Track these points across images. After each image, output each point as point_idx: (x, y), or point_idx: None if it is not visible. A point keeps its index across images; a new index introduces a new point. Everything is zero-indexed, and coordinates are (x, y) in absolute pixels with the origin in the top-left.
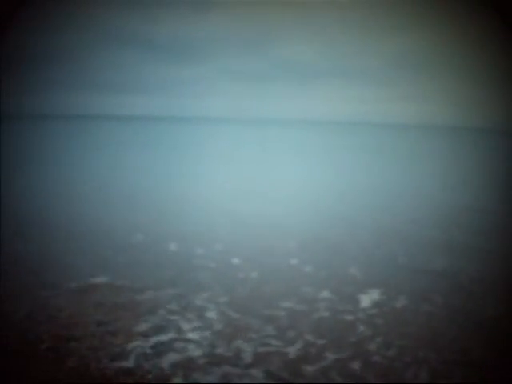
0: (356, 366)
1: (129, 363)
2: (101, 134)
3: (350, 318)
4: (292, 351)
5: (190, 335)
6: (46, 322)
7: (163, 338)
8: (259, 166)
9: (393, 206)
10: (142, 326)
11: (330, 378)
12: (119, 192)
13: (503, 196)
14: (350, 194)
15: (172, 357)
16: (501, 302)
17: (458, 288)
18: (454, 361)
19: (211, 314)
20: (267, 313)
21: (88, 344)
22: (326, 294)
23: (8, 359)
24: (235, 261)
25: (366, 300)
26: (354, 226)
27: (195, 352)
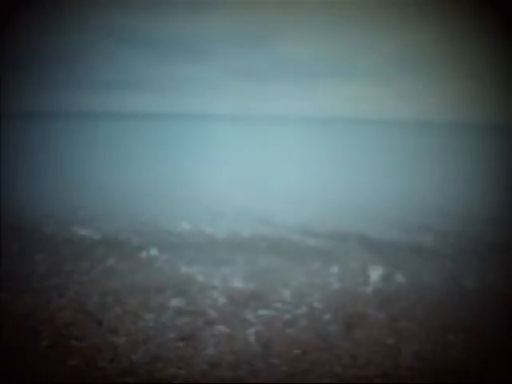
0: (336, 327)
1: (131, 361)
2: (103, 132)
3: (360, 288)
4: (291, 315)
5: (207, 302)
6: (47, 319)
7: (180, 304)
8: (260, 162)
9: (389, 207)
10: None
11: (300, 336)
12: (119, 189)
13: (503, 196)
14: (347, 192)
15: (181, 319)
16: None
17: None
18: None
19: (233, 284)
20: (284, 282)
21: (89, 342)
22: (335, 268)
23: (8, 357)
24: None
25: (374, 274)
26: (348, 222)
27: (205, 316)
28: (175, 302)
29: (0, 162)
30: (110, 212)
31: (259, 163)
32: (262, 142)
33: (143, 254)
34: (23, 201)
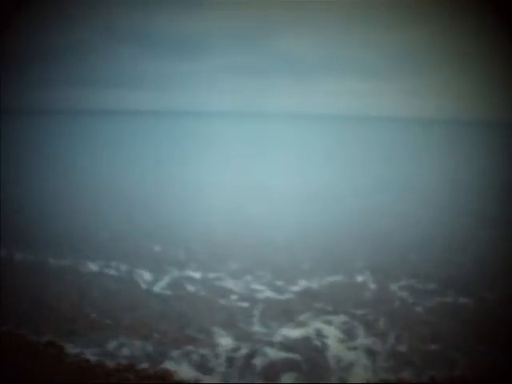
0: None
1: (131, 358)
2: (102, 129)
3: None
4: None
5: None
6: (47, 316)
7: (180, 302)
8: (258, 159)
9: (385, 205)
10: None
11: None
12: (118, 186)
13: (503, 194)
14: (345, 189)
15: (181, 317)
16: None
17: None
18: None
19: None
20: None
21: (90, 338)
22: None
23: (9, 353)
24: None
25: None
26: (346, 220)
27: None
28: (175, 300)
29: (0, 159)
30: (107, 214)
31: (259, 161)
32: (261, 139)
33: (143, 251)
34: (22, 197)
